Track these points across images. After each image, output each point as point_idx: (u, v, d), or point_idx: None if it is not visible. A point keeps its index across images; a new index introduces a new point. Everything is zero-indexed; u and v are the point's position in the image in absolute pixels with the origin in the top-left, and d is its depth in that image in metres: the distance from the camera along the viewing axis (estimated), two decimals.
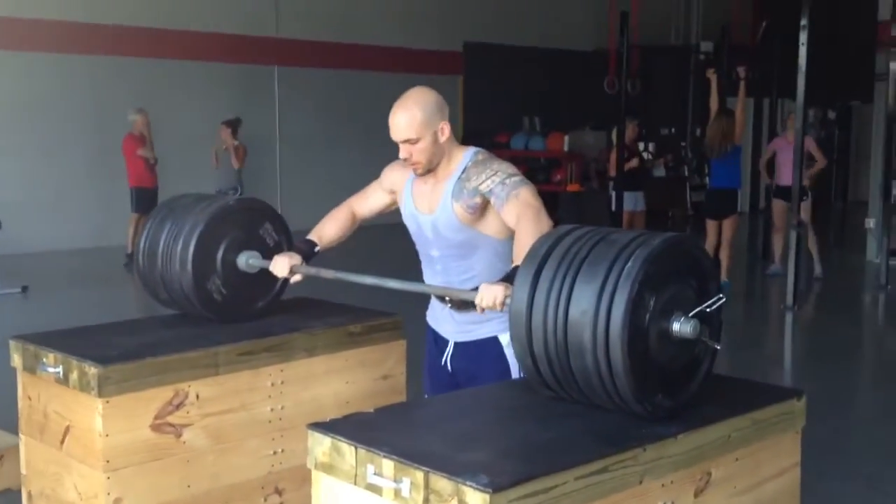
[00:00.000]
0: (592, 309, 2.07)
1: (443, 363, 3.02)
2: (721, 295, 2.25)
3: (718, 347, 2.28)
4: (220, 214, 3.11)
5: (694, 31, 17.49)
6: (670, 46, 16.65)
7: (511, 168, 2.81)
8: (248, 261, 3.15)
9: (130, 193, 10.34)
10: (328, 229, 3.15)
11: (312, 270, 3.07)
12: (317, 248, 3.13)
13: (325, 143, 13.78)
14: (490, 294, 2.46)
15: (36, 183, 11.31)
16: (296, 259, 3.07)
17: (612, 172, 10.34)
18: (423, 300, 3.10)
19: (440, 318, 3.04)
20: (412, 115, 2.74)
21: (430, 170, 2.83)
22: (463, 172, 2.81)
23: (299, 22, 13.37)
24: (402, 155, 2.83)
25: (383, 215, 3.22)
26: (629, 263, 2.07)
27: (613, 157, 10.28)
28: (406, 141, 2.77)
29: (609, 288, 2.06)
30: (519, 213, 2.66)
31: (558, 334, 2.13)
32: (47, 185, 11.42)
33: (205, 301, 3.11)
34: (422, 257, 3.03)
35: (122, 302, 8.42)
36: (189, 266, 3.04)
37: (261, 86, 13.24)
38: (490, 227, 2.81)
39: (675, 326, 2.15)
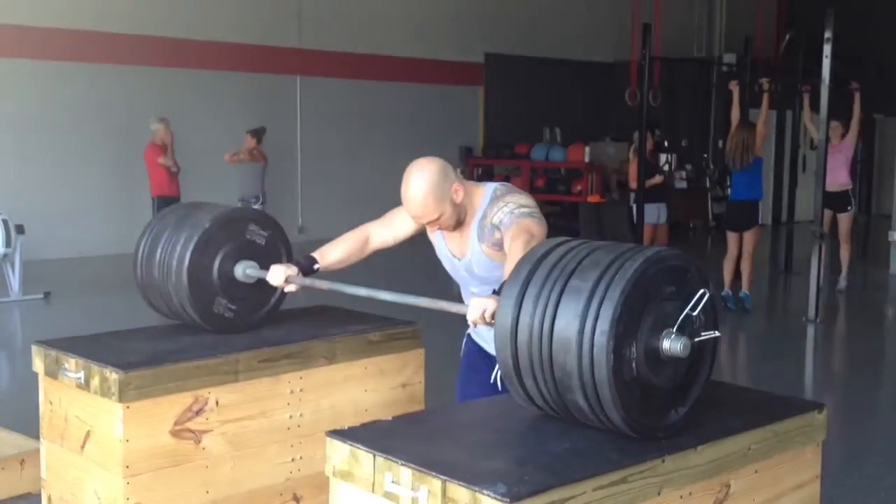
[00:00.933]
0: (576, 368, 2.02)
1: (492, 380, 3.02)
2: (704, 290, 2.15)
3: (718, 334, 2.22)
4: (203, 240, 3.07)
5: (717, 44, 17.43)
6: (693, 58, 16.59)
7: (525, 199, 2.81)
8: (245, 271, 3.16)
9: (153, 202, 10.34)
10: (334, 251, 3.13)
11: (307, 281, 3.08)
12: (316, 267, 3.11)
13: (346, 153, 13.83)
14: (479, 307, 2.46)
15: (59, 190, 11.42)
16: (292, 270, 3.07)
17: (633, 184, 10.28)
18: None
19: (489, 337, 3.03)
20: (424, 200, 2.73)
21: (458, 224, 2.86)
22: (483, 212, 2.83)
23: (321, 33, 13.44)
24: (429, 229, 2.90)
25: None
26: (597, 328, 1.98)
27: (633, 168, 10.23)
28: (429, 222, 2.81)
29: (586, 346, 2.00)
30: (513, 236, 2.65)
31: (550, 391, 2.11)
32: (70, 191, 11.53)
33: (217, 323, 3.15)
34: (462, 290, 3.07)
35: (143, 308, 8.38)
36: (189, 302, 3.06)
37: (283, 96, 13.31)
38: None
39: (665, 346, 2.08)
